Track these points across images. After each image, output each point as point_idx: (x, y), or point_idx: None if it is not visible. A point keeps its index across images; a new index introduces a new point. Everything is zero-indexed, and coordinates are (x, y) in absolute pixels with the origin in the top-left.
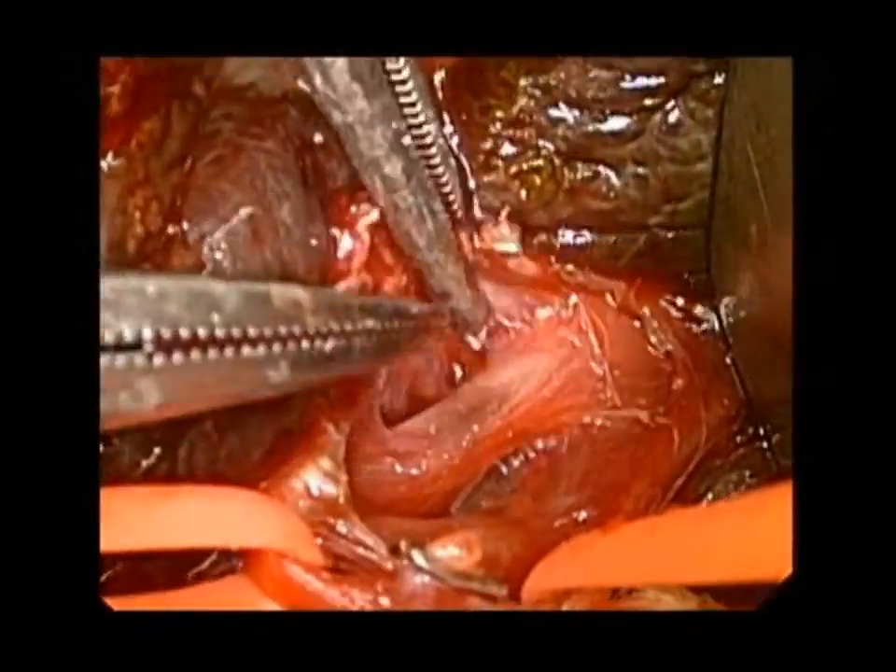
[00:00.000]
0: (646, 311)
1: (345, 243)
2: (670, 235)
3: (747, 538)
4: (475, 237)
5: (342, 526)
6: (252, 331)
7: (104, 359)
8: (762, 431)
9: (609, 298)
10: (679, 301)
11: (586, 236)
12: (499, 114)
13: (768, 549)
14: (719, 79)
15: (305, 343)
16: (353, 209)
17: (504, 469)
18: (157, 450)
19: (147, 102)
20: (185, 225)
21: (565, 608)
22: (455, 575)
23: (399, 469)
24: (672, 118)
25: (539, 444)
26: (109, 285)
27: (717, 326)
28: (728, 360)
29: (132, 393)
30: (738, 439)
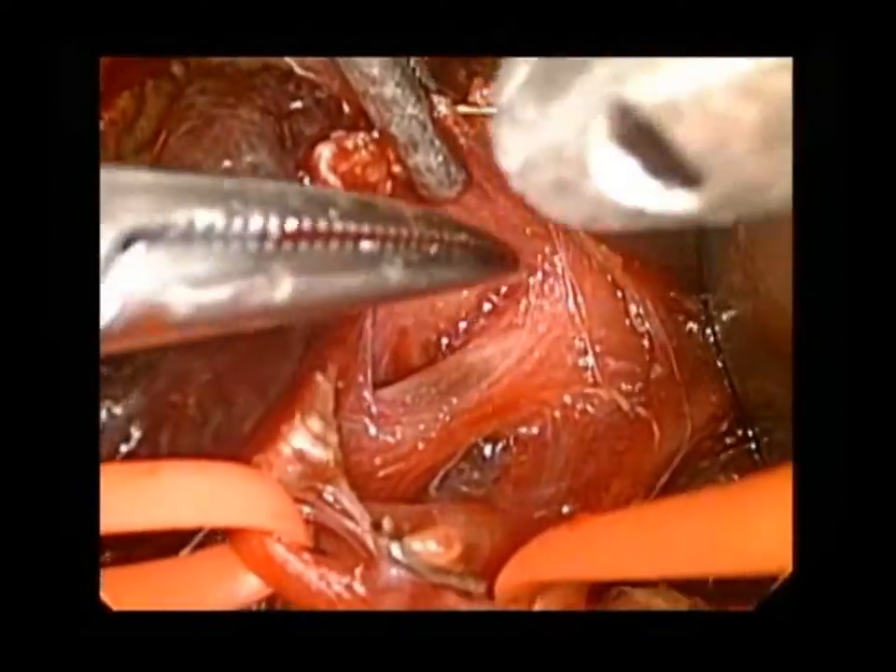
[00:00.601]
0: (629, 284)
1: None
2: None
3: (738, 528)
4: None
5: (329, 494)
6: (367, 229)
7: (234, 246)
8: (750, 433)
9: (588, 261)
10: (670, 292)
11: None
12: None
13: (761, 540)
14: None
15: (413, 245)
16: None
17: (486, 454)
18: (136, 434)
19: (121, 79)
20: None
21: (538, 605)
22: (433, 570)
23: (373, 431)
24: None
25: (522, 430)
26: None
27: (705, 323)
28: (718, 359)
29: (266, 277)
30: (727, 440)
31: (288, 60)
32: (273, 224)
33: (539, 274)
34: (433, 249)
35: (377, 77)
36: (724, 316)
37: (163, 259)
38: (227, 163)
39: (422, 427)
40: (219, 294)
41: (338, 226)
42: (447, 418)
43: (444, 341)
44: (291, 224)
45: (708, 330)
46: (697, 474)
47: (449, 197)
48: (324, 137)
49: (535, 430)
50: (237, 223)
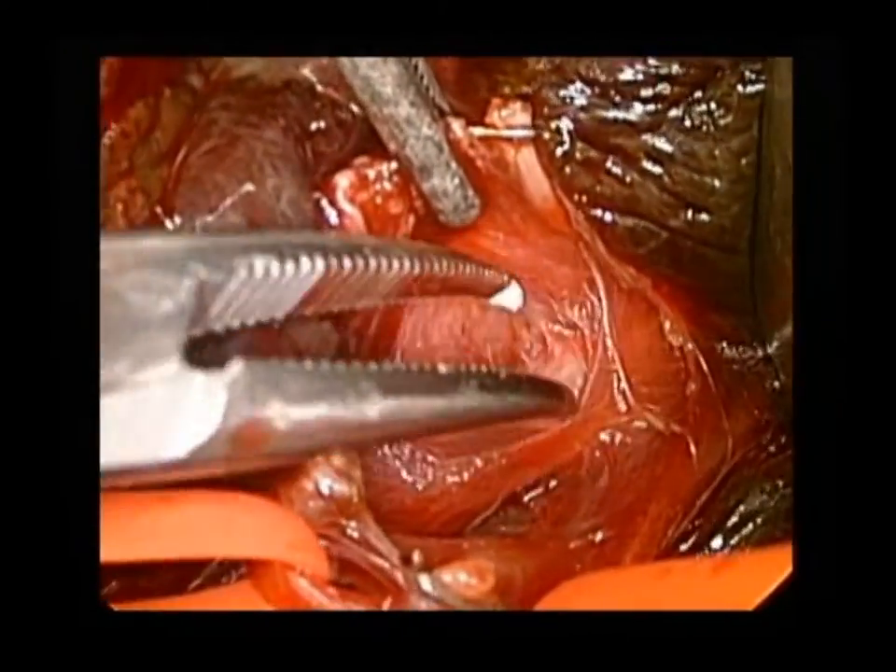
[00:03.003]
0: (661, 302)
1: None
2: (689, 245)
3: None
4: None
5: (353, 530)
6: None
7: (325, 365)
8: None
9: (618, 284)
10: (703, 311)
11: (602, 213)
12: (507, 90)
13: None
14: (751, 88)
15: (485, 369)
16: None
17: (525, 499)
18: None
19: (133, 88)
20: (176, 218)
21: None
22: (465, 602)
23: (403, 473)
24: (690, 116)
25: (561, 475)
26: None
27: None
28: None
29: (356, 393)
30: (770, 449)
31: (309, 77)
32: (320, 265)
33: (576, 308)
34: (503, 374)
35: (390, 96)
36: (778, 334)
37: (261, 375)
38: (249, 187)
39: (454, 469)
40: (315, 410)
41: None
42: (480, 463)
43: None
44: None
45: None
46: (739, 484)
47: (465, 222)
48: (346, 160)
49: (572, 471)
50: (289, 266)
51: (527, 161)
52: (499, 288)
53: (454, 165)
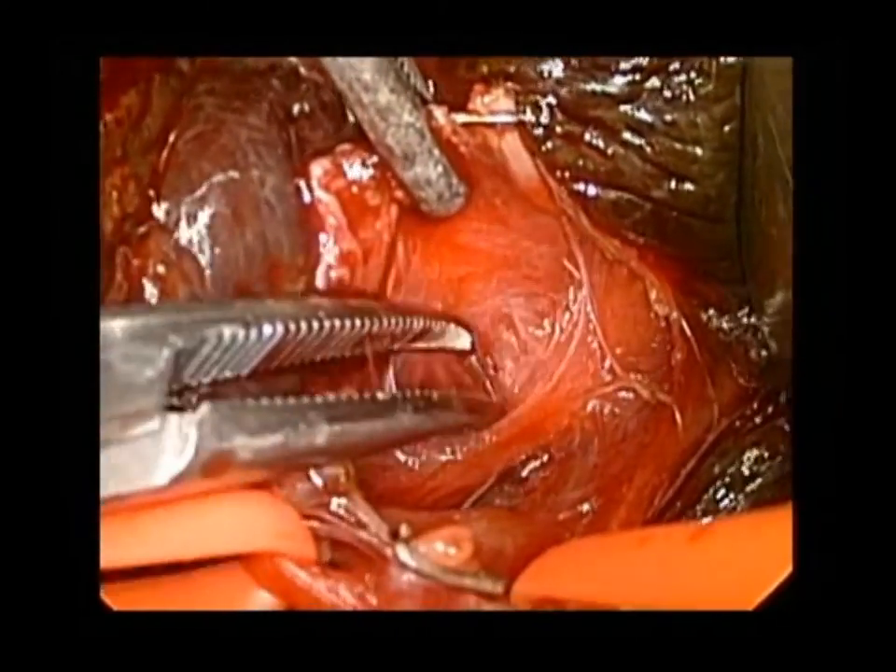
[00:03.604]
0: (646, 272)
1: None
2: (674, 215)
3: (741, 563)
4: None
5: (342, 508)
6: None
7: (279, 401)
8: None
9: (602, 255)
10: (689, 280)
11: (585, 187)
12: (485, 69)
13: (764, 576)
14: (730, 58)
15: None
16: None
17: (520, 475)
18: None
19: (125, 76)
20: (163, 205)
21: None
22: (445, 572)
23: (399, 455)
24: (669, 86)
25: (553, 449)
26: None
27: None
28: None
29: (306, 423)
30: (756, 419)
31: (293, 61)
32: (279, 329)
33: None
34: (435, 396)
35: (370, 83)
36: (767, 303)
37: (226, 414)
38: (233, 174)
39: (448, 449)
40: (273, 440)
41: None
42: (473, 442)
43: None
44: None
45: (750, 318)
46: (725, 453)
47: (450, 211)
48: (330, 147)
49: (564, 443)
50: (252, 333)
51: (511, 146)
52: (447, 334)
53: (437, 153)
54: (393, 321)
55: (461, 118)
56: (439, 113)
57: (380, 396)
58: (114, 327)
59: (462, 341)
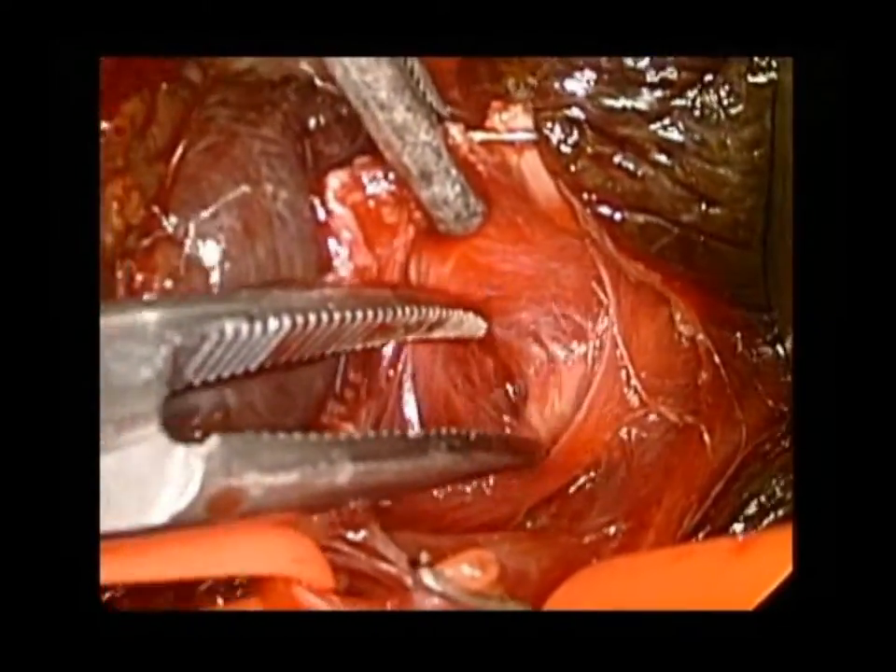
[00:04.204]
0: (671, 295)
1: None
2: (702, 239)
3: (778, 576)
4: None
5: (360, 539)
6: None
7: (297, 436)
8: None
9: (627, 278)
10: (715, 304)
11: (612, 211)
12: (510, 81)
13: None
14: (761, 77)
15: (455, 431)
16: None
17: (545, 503)
18: None
19: (128, 82)
20: (171, 218)
21: None
22: (471, 595)
23: None
24: (700, 105)
25: (583, 478)
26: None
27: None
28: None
29: (328, 462)
30: (784, 443)
31: (308, 71)
32: (286, 323)
33: (582, 307)
34: (472, 435)
35: (385, 101)
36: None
37: (237, 448)
38: (245, 188)
39: (475, 483)
40: (288, 478)
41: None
42: (504, 477)
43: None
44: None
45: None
46: (753, 477)
47: (468, 230)
48: (345, 160)
49: (592, 473)
50: (257, 327)
51: (530, 164)
52: (464, 323)
53: (454, 172)
54: (408, 311)
55: (478, 136)
56: (455, 131)
57: (411, 433)
58: (106, 323)
59: (478, 328)
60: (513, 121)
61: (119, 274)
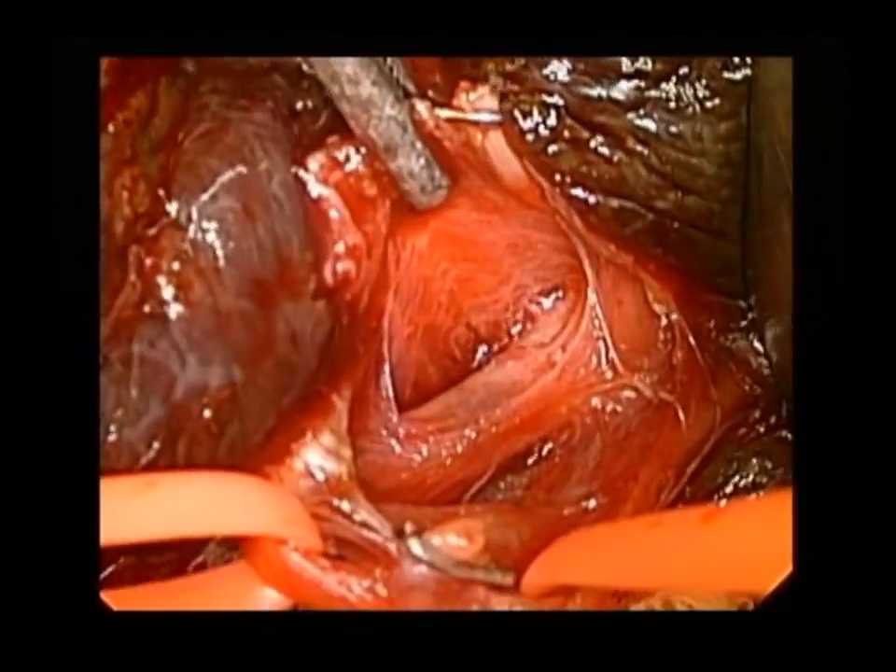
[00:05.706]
0: (646, 276)
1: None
2: (677, 226)
3: (749, 545)
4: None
5: (345, 506)
6: None
7: None
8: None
9: (600, 257)
10: (689, 288)
11: (586, 194)
12: (490, 67)
13: (771, 559)
14: (738, 74)
15: None
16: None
17: (519, 467)
18: (156, 444)
19: (133, 77)
20: (174, 203)
21: (570, 606)
22: (457, 564)
23: (398, 450)
24: (675, 98)
25: (552, 440)
26: None
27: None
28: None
29: None
30: (760, 428)
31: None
32: None
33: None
34: None
35: (352, 75)
36: (768, 319)
37: None
38: (242, 169)
39: (448, 443)
40: None
41: None
42: (473, 434)
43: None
44: None
45: (750, 333)
46: (730, 460)
47: (433, 203)
48: (316, 141)
49: (565, 437)
50: None
51: (495, 145)
52: None
53: (419, 145)
54: None
55: (444, 113)
56: (421, 107)
57: None
58: None
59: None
60: (480, 101)
61: (130, 259)
